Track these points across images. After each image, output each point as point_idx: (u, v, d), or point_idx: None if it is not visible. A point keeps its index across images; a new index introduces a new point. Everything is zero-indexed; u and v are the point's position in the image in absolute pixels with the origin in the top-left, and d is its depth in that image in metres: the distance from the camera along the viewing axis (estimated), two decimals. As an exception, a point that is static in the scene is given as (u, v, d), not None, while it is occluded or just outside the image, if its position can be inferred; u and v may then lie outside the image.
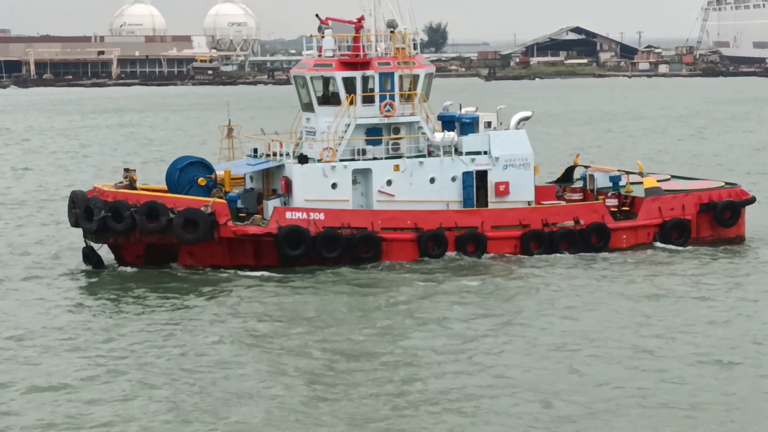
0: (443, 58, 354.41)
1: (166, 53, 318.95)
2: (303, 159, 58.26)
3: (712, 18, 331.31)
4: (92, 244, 57.64)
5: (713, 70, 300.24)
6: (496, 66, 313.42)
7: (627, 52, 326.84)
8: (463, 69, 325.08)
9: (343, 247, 56.40)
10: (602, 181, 63.93)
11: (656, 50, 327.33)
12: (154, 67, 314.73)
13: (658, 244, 61.04)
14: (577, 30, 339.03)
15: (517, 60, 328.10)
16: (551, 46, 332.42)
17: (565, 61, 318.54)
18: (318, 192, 57.84)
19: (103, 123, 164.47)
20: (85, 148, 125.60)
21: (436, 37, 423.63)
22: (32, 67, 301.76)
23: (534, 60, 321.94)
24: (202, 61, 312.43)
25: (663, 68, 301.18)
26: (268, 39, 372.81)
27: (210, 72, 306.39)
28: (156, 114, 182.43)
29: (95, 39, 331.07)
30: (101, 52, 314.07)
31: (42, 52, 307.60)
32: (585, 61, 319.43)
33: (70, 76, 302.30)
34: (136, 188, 58.18)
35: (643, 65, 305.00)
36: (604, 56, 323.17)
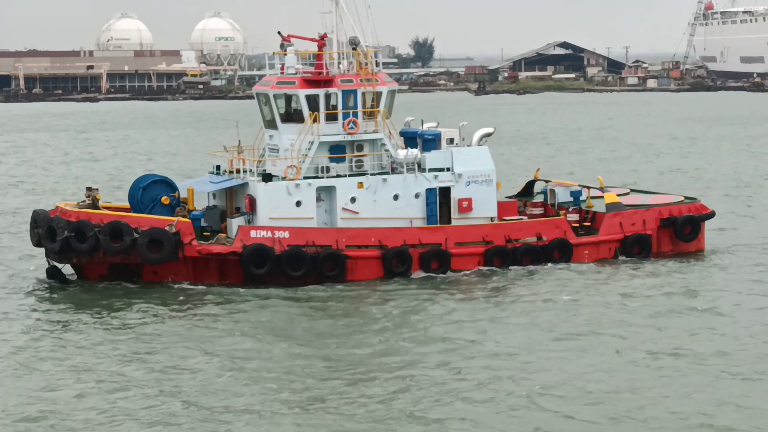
0: (431, 73, 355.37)
1: (155, 68, 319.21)
2: (267, 177, 58.29)
3: (698, 33, 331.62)
4: (55, 263, 57.76)
5: (701, 84, 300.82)
6: (484, 81, 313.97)
7: (614, 66, 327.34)
8: (452, 84, 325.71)
9: (308, 266, 56.50)
10: (563, 196, 64.38)
11: (643, 65, 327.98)
12: (143, 82, 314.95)
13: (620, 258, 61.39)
14: (564, 45, 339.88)
15: (506, 75, 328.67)
16: (538, 60, 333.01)
17: (552, 76, 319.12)
18: (282, 210, 57.90)
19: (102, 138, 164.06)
20: (52, 164, 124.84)
21: (423, 51, 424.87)
22: (22, 82, 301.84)
23: (522, 75, 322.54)
24: (192, 75, 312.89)
25: (651, 83, 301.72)
26: (253, 53, 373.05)
27: (201, 86, 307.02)
28: (153, 129, 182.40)
29: (84, 54, 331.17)
30: (90, 67, 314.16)
31: (31, 66, 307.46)
32: (573, 75, 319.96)
33: (60, 91, 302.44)
34: (98, 207, 58.25)
35: (632, 80, 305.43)
36: (591, 71, 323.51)
